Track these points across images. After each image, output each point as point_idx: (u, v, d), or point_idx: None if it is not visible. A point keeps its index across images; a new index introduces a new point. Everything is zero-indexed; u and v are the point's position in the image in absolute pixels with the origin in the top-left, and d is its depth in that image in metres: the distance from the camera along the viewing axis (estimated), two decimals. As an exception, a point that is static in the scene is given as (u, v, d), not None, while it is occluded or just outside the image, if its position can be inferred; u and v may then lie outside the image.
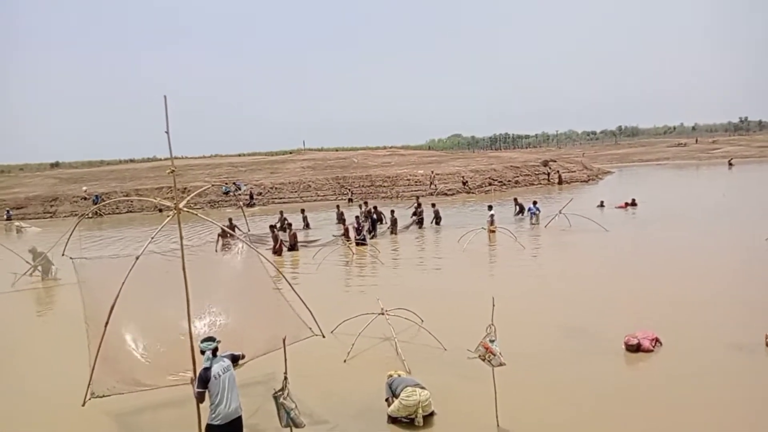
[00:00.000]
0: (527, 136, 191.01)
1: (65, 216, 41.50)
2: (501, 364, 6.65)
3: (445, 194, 41.51)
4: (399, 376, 7.65)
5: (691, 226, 21.90)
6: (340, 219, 27.41)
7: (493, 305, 6.68)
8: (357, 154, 59.82)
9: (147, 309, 7.50)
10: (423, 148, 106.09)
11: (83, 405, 6.38)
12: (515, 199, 28.84)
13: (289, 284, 8.57)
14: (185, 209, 6.88)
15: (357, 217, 23.31)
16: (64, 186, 49.03)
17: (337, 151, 70.47)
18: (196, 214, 7.91)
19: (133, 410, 7.82)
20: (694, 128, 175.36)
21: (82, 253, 14.11)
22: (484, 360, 6.70)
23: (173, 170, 6.69)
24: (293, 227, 23.06)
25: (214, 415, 5.80)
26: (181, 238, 6.77)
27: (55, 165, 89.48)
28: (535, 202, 25.56)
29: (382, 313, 10.08)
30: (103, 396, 6.45)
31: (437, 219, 26.13)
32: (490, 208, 23.33)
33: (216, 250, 20.13)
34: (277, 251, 20.25)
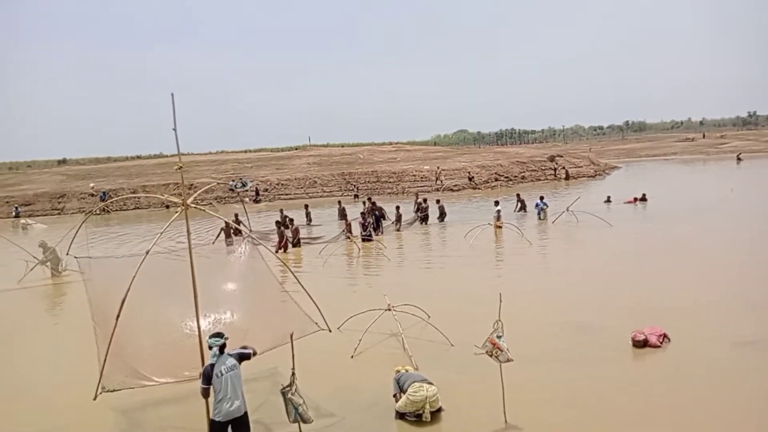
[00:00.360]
0: (533, 132, 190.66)
1: (73, 212, 41.75)
2: (508, 360, 6.64)
3: (451, 190, 41.45)
4: (406, 371, 7.66)
5: (699, 222, 21.79)
6: (342, 215, 27.20)
7: (500, 301, 6.66)
8: (363, 150, 59.89)
9: (153, 307, 7.53)
10: (429, 143, 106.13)
11: (94, 399, 6.46)
12: (518, 195, 28.70)
13: (296, 278, 8.61)
14: (193, 205, 6.90)
15: (362, 213, 23.31)
16: (71, 182, 49.30)
17: (342, 147, 70.63)
18: (204, 210, 7.94)
19: (138, 406, 7.88)
20: (701, 123, 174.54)
21: (89, 249, 14.30)
22: (491, 356, 6.69)
23: (181, 166, 6.69)
24: (295, 223, 22.99)
25: (216, 412, 5.85)
26: (189, 234, 6.81)
27: (63, 162, 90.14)
28: (542, 197, 25.45)
29: (389, 309, 10.09)
30: (114, 390, 6.55)
31: (442, 215, 26.01)
32: (496, 203, 23.28)
33: (213, 243, 20.28)
34: (282, 248, 20.28)
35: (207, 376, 5.88)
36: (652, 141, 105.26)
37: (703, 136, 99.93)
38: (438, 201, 27.01)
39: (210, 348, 5.98)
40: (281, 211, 26.76)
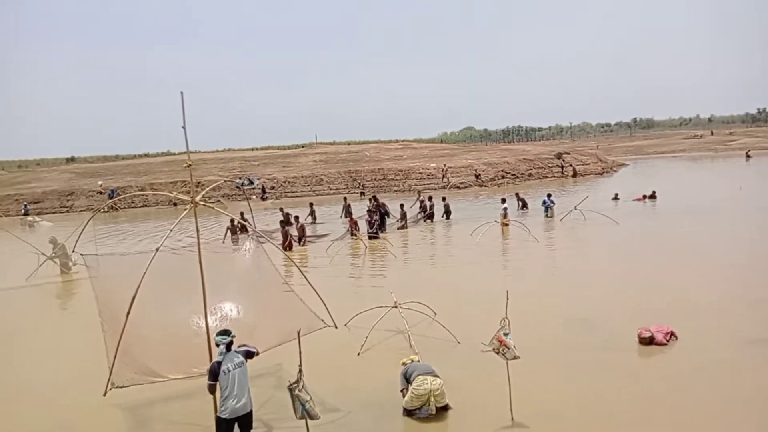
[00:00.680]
0: (540, 129, 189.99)
1: (81, 210, 41.99)
2: (515, 358, 6.64)
3: (458, 187, 41.40)
4: (412, 361, 7.62)
5: (707, 220, 21.66)
6: (347, 213, 26.76)
7: (507, 298, 6.67)
8: (369, 147, 59.92)
9: (160, 304, 7.58)
10: (435, 141, 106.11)
11: (104, 395, 6.54)
12: (517, 194, 28.41)
13: (303, 274, 8.67)
14: (201, 203, 6.95)
15: (369, 210, 23.30)
16: (80, 180, 49.59)
17: (349, 144, 70.68)
18: (212, 207, 7.99)
19: (146, 403, 7.95)
20: (710, 120, 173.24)
21: (97, 246, 14.39)
22: (498, 353, 6.69)
23: (190, 164, 6.74)
24: (300, 220, 22.93)
25: (222, 408, 5.89)
26: (198, 231, 6.86)
27: (71, 160, 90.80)
28: (549, 195, 25.33)
29: (396, 306, 10.10)
30: (123, 386, 6.63)
31: (447, 213, 25.82)
32: (503, 201, 23.23)
33: (223, 242, 20.32)
34: (287, 247, 20.28)
35: (214, 373, 5.93)
36: (660, 138, 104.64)
37: (711, 134, 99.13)
38: (444, 199, 26.87)
39: (217, 345, 6.04)
40: (281, 209, 26.66)
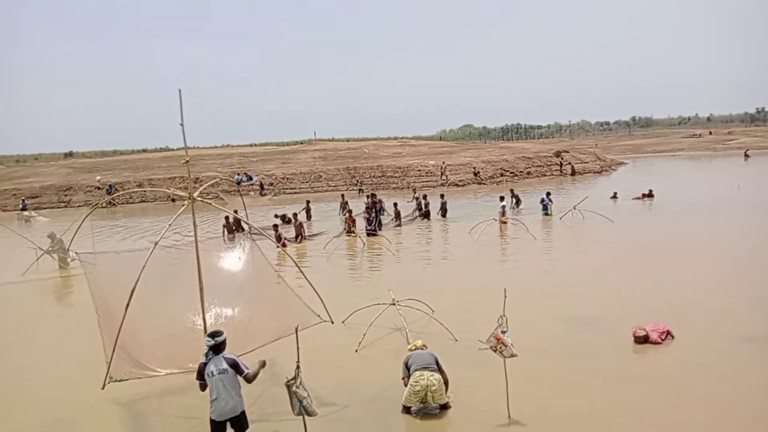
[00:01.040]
0: (539, 127, 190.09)
1: (79, 205, 41.90)
2: (512, 355, 6.65)
3: (456, 185, 41.38)
4: (416, 348, 7.57)
5: (705, 219, 21.70)
6: (344, 209, 26.13)
7: (505, 296, 6.68)
8: (368, 144, 59.79)
9: (155, 300, 7.62)
10: (434, 138, 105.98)
11: (103, 388, 6.58)
12: (512, 191, 28.27)
13: (300, 270, 8.67)
14: (199, 199, 6.95)
15: (367, 207, 23.25)
16: (77, 175, 49.45)
17: (348, 141, 70.54)
18: (210, 203, 7.99)
19: (142, 397, 7.99)
20: (709, 119, 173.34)
21: (94, 242, 14.38)
22: (495, 351, 6.71)
23: (188, 161, 6.74)
24: (298, 218, 22.80)
25: (211, 410, 5.87)
26: (195, 226, 6.87)
27: (69, 155, 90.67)
28: (548, 193, 25.31)
29: (394, 304, 10.11)
30: (121, 380, 6.69)
31: (443, 211, 25.58)
32: (501, 199, 23.22)
33: (224, 240, 20.27)
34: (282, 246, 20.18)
35: (200, 373, 5.91)
36: (658, 137, 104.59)
37: (710, 133, 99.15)
38: (442, 196, 26.67)
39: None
40: (276, 215, 26.19)
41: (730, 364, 8.14)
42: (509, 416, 6.74)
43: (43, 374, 9.43)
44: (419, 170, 45.03)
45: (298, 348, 6.03)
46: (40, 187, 45.76)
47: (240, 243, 9.34)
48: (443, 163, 44.80)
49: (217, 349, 5.87)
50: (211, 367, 5.82)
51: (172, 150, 71.59)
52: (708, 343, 8.94)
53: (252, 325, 7.79)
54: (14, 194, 44.21)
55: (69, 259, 17.63)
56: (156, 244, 6.58)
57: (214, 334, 5.94)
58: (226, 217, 21.49)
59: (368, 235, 20.81)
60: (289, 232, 21.57)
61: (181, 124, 6.54)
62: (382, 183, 43.44)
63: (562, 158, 48.99)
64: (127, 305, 6.18)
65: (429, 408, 7.10)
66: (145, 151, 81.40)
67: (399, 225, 23.84)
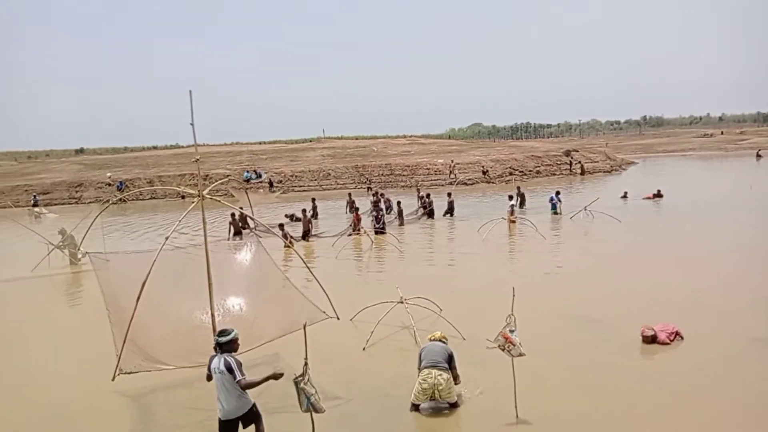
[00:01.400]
0: (549, 126, 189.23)
1: (90, 201, 42.22)
2: (521, 355, 6.63)
3: (465, 184, 41.28)
4: (433, 340, 7.55)
5: (716, 219, 21.52)
6: (351, 207, 25.95)
7: (513, 295, 6.66)
8: (377, 142, 59.72)
9: (165, 298, 7.70)
10: (443, 137, 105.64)
11: (113, 380, 6.65)
12: (518, 188, 28.03)
13: (307, 266, 8.72)
14: (209, 197, 7.01)
15: (373, 203, 23.20)
16: (88, 172, 49.82)
17: (356, 139, 70.45)
18: (219, 201, 8.04)
19: (149, 389, 8.08)
20: (721, 118, 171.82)
21: (104, 239, 14.50)
22: (503, 350, 6.69)
23: (197, 159, 6.81)
24: (307, 215, 22.80)
25: (218, 408, 5.88)
26: (204, 223, 6.94)
27: (80, 151, 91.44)
28: (558, 192, 25.20)
29: (401, 302, 10.11)
30: (131, 372, 6.76)
31: (450, 211, 25.41)
32: (510, 198, 23.16)
33: (228, 239, 20.35)
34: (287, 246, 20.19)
35: (208, 367, 5.97)
36: (669, 137, 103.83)
37: (722, 133, 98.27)
38: (449, 195, 26.44)
39: None
40: (285, 216, 26.33)
41: (739, 366, 8.08)
42: (517, 415, 6.73)
43: (54, 367, 9.53)
44: (428, 169, 44.96)
45: (306, 345, 6.04)
46: (52, 183, 46.16)
47: (246, 243, 9.43)
48: (452, 161, 44.71)
49: (220, 347, 5.87)
50: (216, 364, 5.85)
51: (182, 147, 71.98)
52: (717, 344, 8.88)
53: (258, 321, 7.84)
54: (26, 190, 44.62)
55: (79, 255, 17.75)
56: (167, 239, 6.66)
57: (220, 333, 5.96)
58: (232, 215, 21.57)
59: (376, 233, 20.80)
60: (296, 231, 21.59)
61: (192, 124, 6.63)
62: (390, 181, 43.43)
63: (571, 157, 48.74)
64: (138, 297, 6.26)
65: (439, 404, 7.10)
66: (155, 148, 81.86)
67: (402, 224, 23.69)
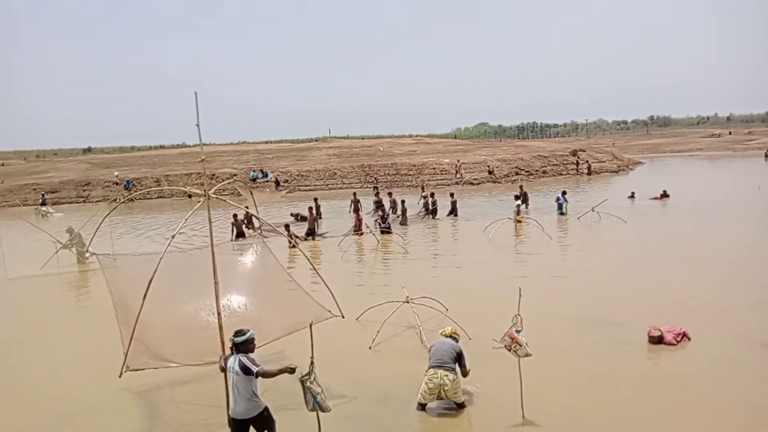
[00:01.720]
0: (556, 125, 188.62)
1: (97, 200, 42.42)
2: (527, 355, 6.62)
3: (471, 183, 41.21)
4: (444, 335, 7.56)
5: (724, 220, 21.39)
6: (356, 208, 25.62)
7: (520, 295, 6.64)
8: (383, 142, 59.69)
9: (171, 298, 7.76)
10: (449, 136, 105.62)
11: (120, 376, 6.68)
12: (521, 187, 27.81)
13: (312, 265, 8.73)
14: (214, 196, 7.05)
15: (376, 202, 23.15)
16: (96, 171, 50.08)
17: (362, 139, 70.50)
18: (225, 200, 8.07)
19: (156, 386, 8.16)
20: (728, 118, 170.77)
21: (112, 239, 14.58)
22: (509, 350, 6.68)
23: (203, 159, 6.84)
24: (313, 213, 22.77)
25: (230, 407, 5.90)
26: (210, 222, 6.97)
27: (88, 150, 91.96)
28: (564, 192, 25.06)
29: (407, 302, 10.11)
30: (137, 369, 6.81)
31: (454, 211, 25.22)
32: (516, 197, 23.11)
33: (232, 239, 20.30)
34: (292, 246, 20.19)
35: (224, 360, 6.04)
36: (677, 137, 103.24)
37: (730, 133, 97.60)
38: (452, 195, 26.25)
39: None
40: (291, 215, 26.45)
41: (745, 368, 8.04)
42: (523, 416, 6.72)
43: (61, 364, 9.62)
44: (434, 168, 44.92)
45: (312, 344, 6.05)
46: (60, 182, 46.42)
47: (252, 245, 9.49)
48: (458, 161, 44.65)
49: (236, 348, 5.88)
50: (231, 363, 5.87)
51: (189, 146, 72.21)
52: (723, 346, 8.83)
53: (263, 321, 7.86)
54: (34, 189, 44.88)
55: (87, 254, 17.81)
56: (173, 236, 6.70)
57: (236, 333, 5.95)
58: (235, 215, 21.32)
59: (382, 232, 20.78)
60: (301, 230, 21.61)
61: (197, 125, 6.67)
62: (396, 181, 43.41)
63: (578, 157, 48.54)
64: (145, 295, 6.29)
65: (445, 404, 7.11)
66: (162, 147, 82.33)
67: (404, 223, 23.52)
